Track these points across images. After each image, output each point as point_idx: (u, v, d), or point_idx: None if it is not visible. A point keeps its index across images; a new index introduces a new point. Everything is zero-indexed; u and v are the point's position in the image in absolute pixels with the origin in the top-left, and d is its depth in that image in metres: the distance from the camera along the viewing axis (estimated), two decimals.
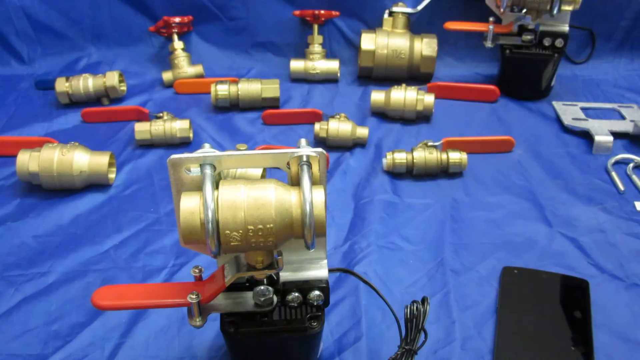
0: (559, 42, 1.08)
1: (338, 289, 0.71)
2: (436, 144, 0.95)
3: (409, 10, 1.18)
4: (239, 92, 1.08)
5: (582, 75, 1.23)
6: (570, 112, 1.08)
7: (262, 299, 0.50)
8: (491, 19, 1.09)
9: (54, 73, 1.21)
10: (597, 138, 0.98)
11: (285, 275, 0.52)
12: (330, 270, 0.54)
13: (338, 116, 0.99)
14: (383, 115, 1.08)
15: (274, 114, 1.07)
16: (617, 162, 0.95)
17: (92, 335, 0.66)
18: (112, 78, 1.10)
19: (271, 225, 0.43)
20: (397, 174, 0.93)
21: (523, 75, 1.14)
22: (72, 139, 0.91)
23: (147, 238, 0.80)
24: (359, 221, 0.83)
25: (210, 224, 0.42)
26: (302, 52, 1.22)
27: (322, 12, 1.19)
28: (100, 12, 1.22)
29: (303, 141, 0.48)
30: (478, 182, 0.91)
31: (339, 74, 1.20)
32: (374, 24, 1.21)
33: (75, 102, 1.11)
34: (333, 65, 1.19)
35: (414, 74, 1.19)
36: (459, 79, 1.21)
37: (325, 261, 0.53)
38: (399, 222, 0.83)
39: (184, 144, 1.00)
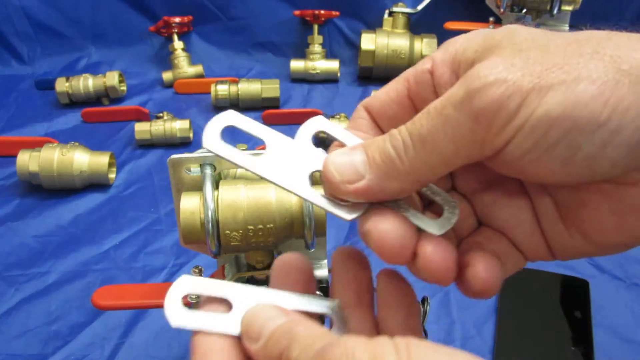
0: None
1: None
2: None
3: (409, 10, 1.18)
4: (239, 92, 1.08)
5: None
6: None
7: None
8: (491, 19, 1.09)
9: (54, 73, 1.21)
10: None
11: None
12: (330, 270, 0.54)
13: (338, 116, 0.99)
14: None
15: (274, 114, 1.07)
16: None
17: (92, 335, 0.66)
18: (112, 78, 1.10)
19: (271, 225, 0.43)
20: None
21: None
22: (72, 139, 0.91)
23: (147, 238, 0.80)
24: None
25: (210, 224, 0.42)
26: (302, 52, 1.22)
27: (322, 12, 1.18)
28: (100, 12, 1.22)
29: None
30: None
31: (339, 74, 1.20)
32: (374, 24, 1.21)
33: (75, 102, 1.11)
34: (333, 65, 1.19)
35: None
36: None
37: (326, 261, 0.53)
38: None
39: (184, 144, 1.00)
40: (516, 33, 0.26)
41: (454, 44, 0.28)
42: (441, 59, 0.28)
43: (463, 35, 0.28)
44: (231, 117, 0.33)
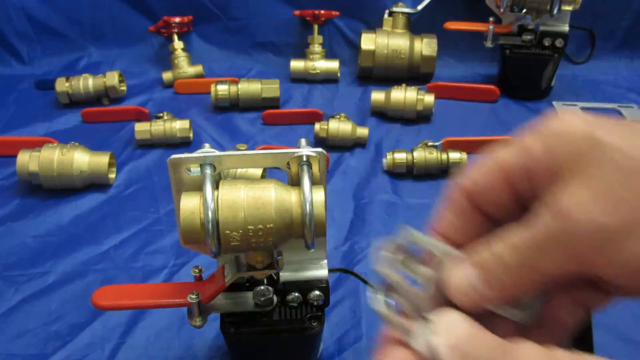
0: (559, 42, 1.08)
1: (338, 289, 0.71)
2: (436, 144, 0.95)
3: (409, 10, 1.18)
4: (239, 92, 1.08)
5: (582, 75, 1.23)
6: None
7: (262, 299, 0.50)
8: (491, 19, 1.09)
9: (54, 73, 1.21)
10: None
11: (285, 275, 0.52)
12: (330, 270, 0.54)
13: (338, 116, 0.99)
14: (383, 115, 1.08)
15: (274, 114, 1.07)
16: None
17: (92, 335, 0.66)
18: (112, 78, 1.10)
19: (271, 225, 0.43)
20: (397, 174, 0.93)
21: (523, 75, 1.14)
22: (72, 139, 0.91)
23: (147, 238, 0.80)
24: (359, 221, 0.83)
25: (210, 224, 0.42)
26: (302, 52, 1.22)
27: (322, 12, 1.18)
28: (100, 12, 1.22)
29: (303, 141, 0.48)
30: None
31: (339, 74, 1.20)
32: (374, 24, 1.21)
33: (75, 102, 1.11)
34: (333, 65, 1.19)
35: (414, 74, 1.18)
36: (459, 79, 1.21)
37: (325, 261, 0.53)
38: (399, 222, 0.83)
39: (184, 144, 1.00)
40: (600, 150, 0.27)
41: (547, 138, 0.29)
42: (537, 158, 0.29)
43: (551, 126, 0.29)
44: (409, 235, 0.34)
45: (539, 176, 0.29)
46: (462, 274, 0.30)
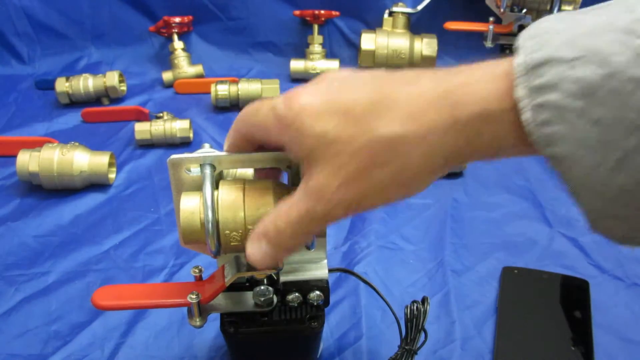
0: None
1: (338, 289, 0.71)
2: None
3: (409, 10, 1.18)
4: (239, 92, 1.08)
5: None
6: None
7: (262, 299, 0.50)
8: (491, 19, 1.09)
9: (54, 73, 1.21)
10: None
11: (285, 275, 0.52)
12: (330, 270, 0.54)
13: None
14: None
15: None
16: None
17: (92, 335, 0.66)
18: (112, 78, 1.10)
19: None
20: None
21: None
22: (72, 139, 0.91)
23: (147, 238, 0.80)
24: (359, 221, 0.83)
25: (210, 224, 0.42)
26: (302, 52, 1.22)
27: (322, 12, 1.18)
28: (100, 12, 1.22)
29: None
30: (478, 182, 0.91)
31: None
32: (374, 24, 1.21)
33: (75, 102, 1.11)
34: (333, 65, 1.19)
35: None
36: None
37: (325, 261, 0.53)
38: (399, 222, 0.83)
39: (184, 144, 1.00)
40: (326, 144, 0.36)
41: (286, 132, 0.38)
42: (271, 142, 0.42)
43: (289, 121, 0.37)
44: None
45: (272, 146, 0.42)
46: (255, 248, 0.41)
